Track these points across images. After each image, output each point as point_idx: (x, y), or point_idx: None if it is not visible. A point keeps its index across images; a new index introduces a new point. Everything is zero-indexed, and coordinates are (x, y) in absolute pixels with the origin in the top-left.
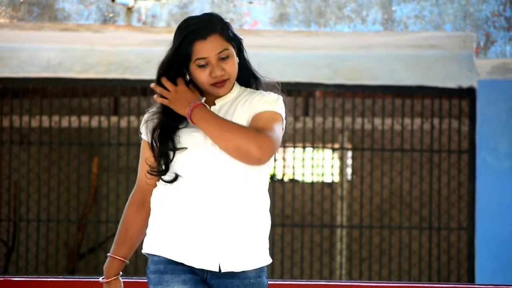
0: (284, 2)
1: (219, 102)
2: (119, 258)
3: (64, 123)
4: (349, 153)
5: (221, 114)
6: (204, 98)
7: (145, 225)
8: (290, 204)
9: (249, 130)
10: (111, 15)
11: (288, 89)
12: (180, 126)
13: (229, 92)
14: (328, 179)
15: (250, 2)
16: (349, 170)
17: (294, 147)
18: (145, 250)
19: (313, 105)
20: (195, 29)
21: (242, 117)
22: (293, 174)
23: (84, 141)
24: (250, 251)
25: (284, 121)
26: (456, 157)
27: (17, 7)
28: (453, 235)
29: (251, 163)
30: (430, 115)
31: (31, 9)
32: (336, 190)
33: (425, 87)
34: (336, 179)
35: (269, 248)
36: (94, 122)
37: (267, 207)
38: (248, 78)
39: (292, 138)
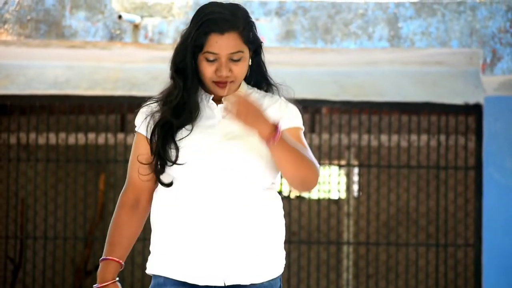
0: (291, 19)
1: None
2: (115, 259)
3: (71, 140)
4: (356, 170)
5: (226, 117)
6: (212, 96)
7: (140, 227)
8: (296, 221)
9: (312, 161)
10: (118, 32)
11: None
12: (185, 132)
13: (229, 94)
14: (334, 196)
15: (257, 19)
16: (355, 187)
17: None
18: (149, 271)
19: (319, 122)
20: (215, 19)
21: None
22: None
23: (91, 158)
24: (260, 261)
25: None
26: (463, 173)
27: (24, 24)
28: (460, 252)
29: (304, 191)
30: (436, 132)
31: (38, 27)
32: (343, 207)
33: (431, 103)
34: (343, 195)
35: None
36: (101, 139)
37: (280, 211)
38: (260, 82)
39: None
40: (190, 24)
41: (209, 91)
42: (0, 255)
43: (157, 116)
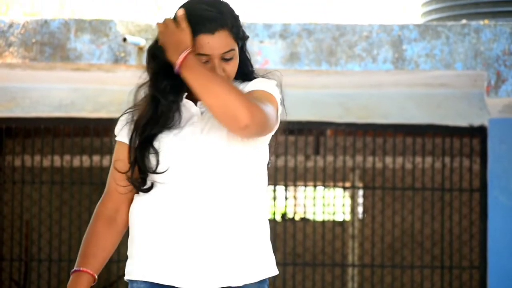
0: (295, 41)
1: None
2: (88, 272)
3: (76, 162)
4: (360, 192)
5: (204, 109)
6: (186, 94)
7: (116, 241)
8: (301, 243)
9: (241, 92)
10: (122, 54)
11: (299, 128)
12: (163, 137)
13: None
14: (339, 218)
15: (261, 41)
16: (360, 209)
17: (305, 186)
18: (129, 276)
19: (324, 144)
20: (202, 19)
21: None
22: (304, 213)
23: (95, 181)
24: (247, 262)
25: (280, 107)
26: (468, 195)
27: (29, 47)
28: (465, 274)
29: (236, 129)
30: (441, 154)
31: (43, 49)
32: (347, 229)
33: (436, 125)
34: (347, 217)
35: (280, 286)
36: (106, 162)
37: (265, 207)
38: (245, 73)
39: (303, 177)
40: None
41: (190, 93)
42: (5, 277)
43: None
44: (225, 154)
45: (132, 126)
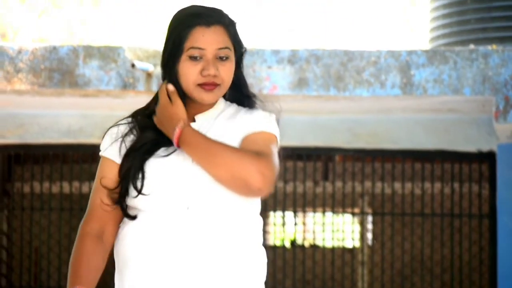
0: (303, 67)
1: (200, 118)
2: None
3: (85, 189)
4: (370, 218)
5: (200, 131)
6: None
7: (104, 261)
8: (310, 269)
9: (246, 153)
10: (131, 80)
11: (308, 154)
12: (152, 159)
13: (215, 101)
14: (348, 244)
15: (269, 67)
16: (369, 235)
17: (314, 212)
18: None
19: (332, 170)
20: (199, 13)
21: (226, 134)
22: (314, 239)
23: None
24: None
25: (279, 143)
26: (477, 221)
27: (38, 73)
28: None
29: (249, 195)
30: (450, 179)
31: (51, 76)
32: (357, 255)
33: (444, 151)
34: (357, 244)
35: None
36: None
37: (259, 248)
38: (239, 98)
39: (312, 203)
40: (169, 29)
41: (186, 108)
42: None
43: (128, 139)
44: (213, 190)
45: (120, 144)
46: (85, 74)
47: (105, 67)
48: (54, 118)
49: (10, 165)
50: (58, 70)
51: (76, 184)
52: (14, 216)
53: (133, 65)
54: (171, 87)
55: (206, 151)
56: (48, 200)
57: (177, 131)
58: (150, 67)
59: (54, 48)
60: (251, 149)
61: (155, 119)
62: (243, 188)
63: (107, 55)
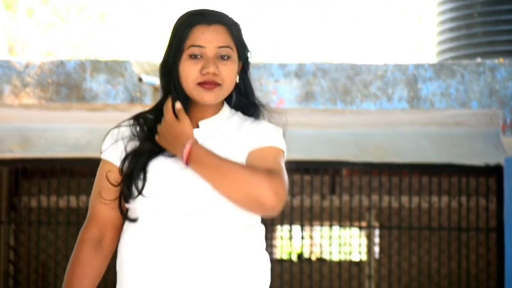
0: (310, 81)
1: (203, 124)
2: None
3: None
4: (377, 232)
5: (202, 139)
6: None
7: (103, 268)
8: (317, 283)
9: (258, 172)
10: (138, 94)
11: (315, 168)
12: (154, 163)
13: (215, 102)
14: (355, 258)
15: (276, 81)
16: (376, 249)
17: (321, 225)
18: None
19: (339, 183)
20: (201, 12)
21: (231, 144)
22: (321, 252)
23: None
24: None
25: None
26: (484, 235)
27: (45, 87)
28: None
29: (263, 213)
30: (457, 193)
31: (59, 90)
32: (364, 269)
33: (452, 164)
34: (364, 257)
35: None
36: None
37: (263, 260)
38: (245, 106)
39: (319, 217)
40: (171, 31)
41: (189, 113)
42: None
43: (128, 141)
44: (216, 199)
45: (121, 146)
46: (92, 88)
47: (112, 81)
48: (61, 132)
49: (17, 179)
50: (66, 84)
51: (83, 198)
52: (21, 230)
53: (140, 79)
54: (178, 105)
55: (218, 170)
56: (55, 214)
57: (187, 148)
58: (157, 81)
59: (62, 62)
60: (262, 166)
61: (157, 138)
62: (257, 207)
63: (114, 69)
